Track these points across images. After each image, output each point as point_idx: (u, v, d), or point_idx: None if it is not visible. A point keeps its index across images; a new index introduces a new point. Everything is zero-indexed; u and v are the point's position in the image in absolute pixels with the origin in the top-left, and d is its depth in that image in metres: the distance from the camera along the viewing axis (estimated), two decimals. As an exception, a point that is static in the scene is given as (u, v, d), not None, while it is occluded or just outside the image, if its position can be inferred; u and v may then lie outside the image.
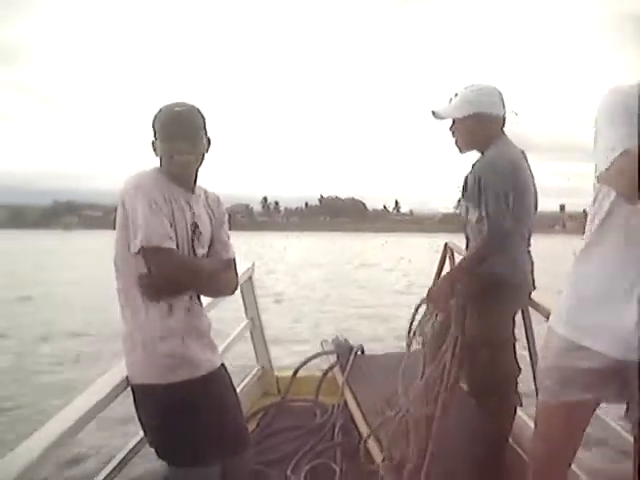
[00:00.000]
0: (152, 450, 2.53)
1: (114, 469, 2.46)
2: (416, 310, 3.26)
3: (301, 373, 4.48)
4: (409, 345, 3.34)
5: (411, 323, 3.29)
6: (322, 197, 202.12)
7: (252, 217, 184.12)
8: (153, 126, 2.43)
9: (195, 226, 2.46)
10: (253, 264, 4.37)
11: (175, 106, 2.41)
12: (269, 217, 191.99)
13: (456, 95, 3.16)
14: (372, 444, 3.31)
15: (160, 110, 2.43)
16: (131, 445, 2.61)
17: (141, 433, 2.57)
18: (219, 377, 2.55)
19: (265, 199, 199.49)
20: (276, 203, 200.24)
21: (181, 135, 2.38)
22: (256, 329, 4.59)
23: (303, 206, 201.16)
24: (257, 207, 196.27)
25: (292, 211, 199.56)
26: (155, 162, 2.48)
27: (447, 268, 3.46)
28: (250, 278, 4.36)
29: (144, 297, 2.37)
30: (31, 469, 1.80)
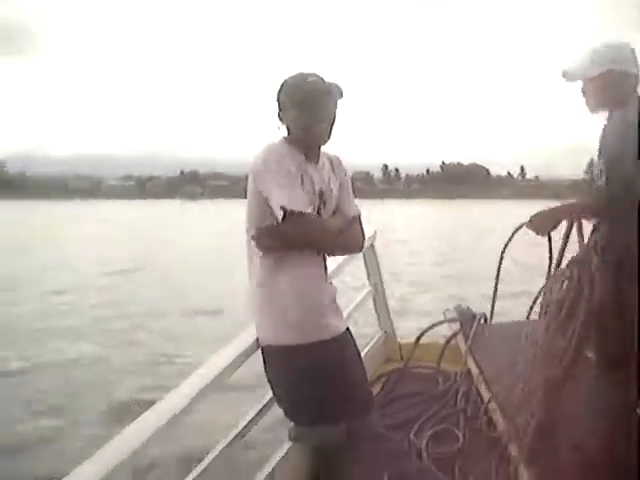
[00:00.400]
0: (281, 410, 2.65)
1: (244, 428, 2.59)
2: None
3: (423, 340, 4.50)
4: (529, 312, 3.31)
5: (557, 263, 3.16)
6: (444, 163, 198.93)
7: (373, 184, 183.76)
8: (280, 97, 2.50)
9: (322, 194, 2.53)
10: (375, 232, 4.41)
11: (308, 76, 2.47)
12: (390, 184, 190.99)
13: (586, 54, 3.05)
14: (495, 411, 3.30)
15: (286, 81, 2.50)
16: (261, 405, 2.73)
17: (270, 393, 2.69)
18: (345, 341, 2.61)
19: (386, 166, 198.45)
20: (396, 170, 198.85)
21: (319, 105, 2.44)
22: (379, 295, 4.64)
23: (424, 173, 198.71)
24: (378, 174, 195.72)
25: (413, 178, 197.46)
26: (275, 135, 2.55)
27: (574, 236, 3.37)
28: (372, 245, 4.40)
29: (275, 262, 2.46)
30: (165, 429, 1.92)
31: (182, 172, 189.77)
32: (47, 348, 10.05)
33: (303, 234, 2.42)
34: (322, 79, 2.47)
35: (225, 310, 12.49)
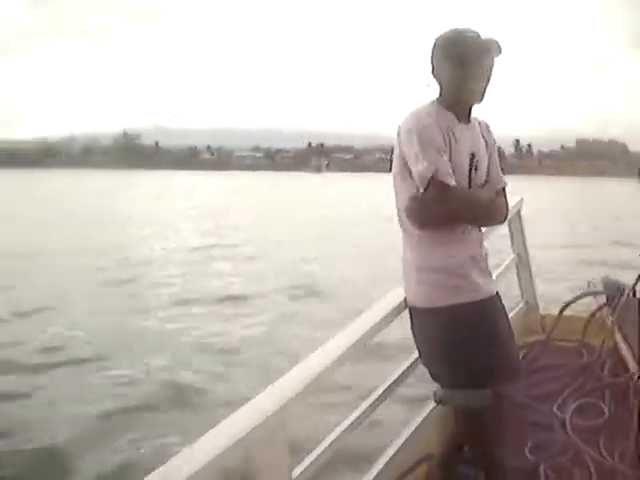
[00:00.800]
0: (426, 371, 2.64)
1: (388, 387, 2.60)
2: None
3: (566, 312, 4.36)
4: None
5: None
6: (579, 139, 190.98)
7: (504, 159, 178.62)
8: (434, 52, 2.46)
9: (473, 156, 2.47)
10: (521, 199, 4.30)
11: (465, 32, 2.41)
12: (521, 160, 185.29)
13: None
14: None
15: (442, 36, 2.44)
16: (406, 365, 2.74)
17: (415, 354, 2.68)
18: (496, 304, 2.57)
19: (517, 141, 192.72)
20: (529, 145, 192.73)
21: (476, 61, 2.38)
22: (522, 264, 4.53)
23: (558, 149, 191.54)
24: (509, 149, 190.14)
25: (546, 154, 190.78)
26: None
27: None
28: (518, 212, 4.30)
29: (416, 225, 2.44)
30: (314, 384, 1.95)
31: (310, 144, 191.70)
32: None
33: (448, 207, 2.37)
34: (479, 35, 2.41)
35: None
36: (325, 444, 2.15)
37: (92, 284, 13.04)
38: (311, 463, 2.04)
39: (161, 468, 1.46)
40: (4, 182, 70.03)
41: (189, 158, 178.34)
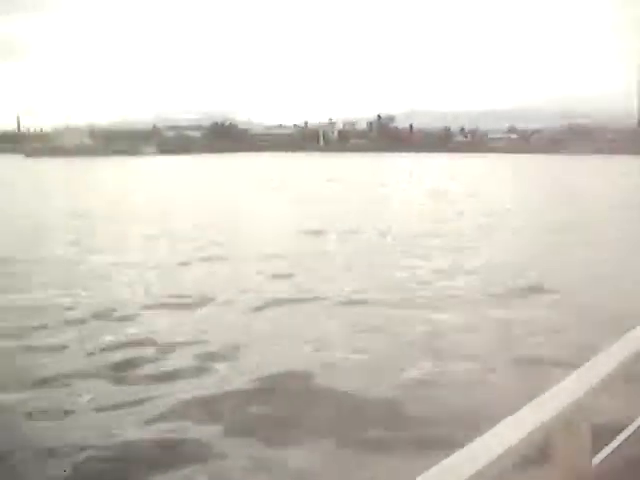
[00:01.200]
0: None
1: None
2: None
3: None
4: None
5: None
6: None
7: None
8: None
9: None
10: None
11: None
12: None
13: None
14: None
15: None
16: None
17: None
18: None
19: None
20: None
21: None
22: None
23: None
24: None
25: None
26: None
27: None
28: None
29: None
30: (616, 374, 1.90)
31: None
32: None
33: None
34: None
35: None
36: (628, 432, 2.08)
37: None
38: (613, 452, 1.97)
39: (468, 446, 1.47)
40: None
41: (443, 140, 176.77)
